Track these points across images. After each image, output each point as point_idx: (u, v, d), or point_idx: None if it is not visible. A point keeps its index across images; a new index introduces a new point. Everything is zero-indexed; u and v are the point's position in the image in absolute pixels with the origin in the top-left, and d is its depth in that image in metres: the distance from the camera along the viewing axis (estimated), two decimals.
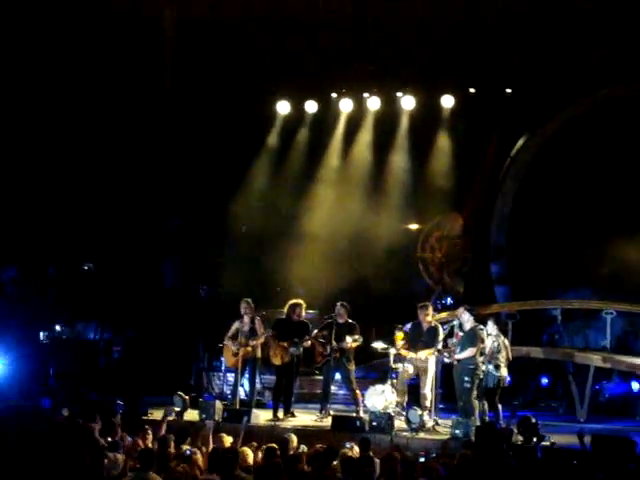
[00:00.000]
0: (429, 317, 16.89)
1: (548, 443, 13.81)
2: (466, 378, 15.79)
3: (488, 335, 16.29)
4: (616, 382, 19.85)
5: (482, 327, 16.18)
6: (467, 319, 16.11)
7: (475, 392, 15.84)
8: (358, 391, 17.26)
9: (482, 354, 16.03)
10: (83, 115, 21.19)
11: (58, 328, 21.80)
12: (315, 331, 17.48)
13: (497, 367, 16.10)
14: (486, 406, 16.13)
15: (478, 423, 15.23)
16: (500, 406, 16.27)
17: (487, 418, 15.93)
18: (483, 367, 15.99)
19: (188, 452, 11.21)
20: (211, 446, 12.06)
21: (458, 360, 15.96)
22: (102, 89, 21.08)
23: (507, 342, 16.57)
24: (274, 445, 11.46)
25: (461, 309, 16.46)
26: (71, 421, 12.39)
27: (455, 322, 16.82)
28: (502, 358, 16.17)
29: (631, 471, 10.86)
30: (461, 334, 16.14)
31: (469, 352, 15.83)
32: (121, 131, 21.65)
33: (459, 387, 15.94)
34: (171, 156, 22.53)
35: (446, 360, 16.34)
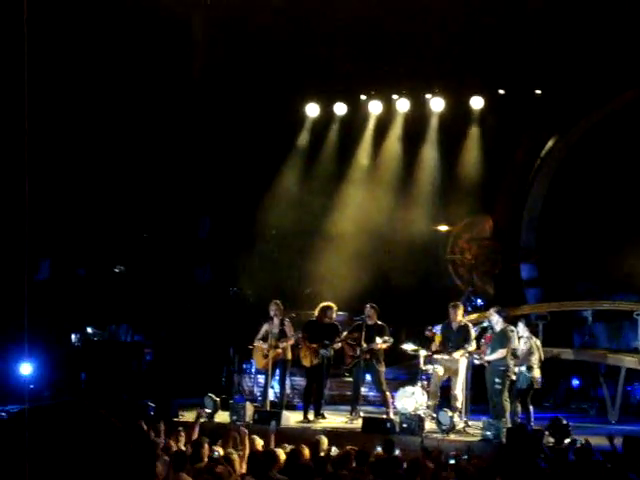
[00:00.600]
0: (460, 316, 16.88)
1: (579, 444, 13.73)
2: (497, 380, 15.77)
3: (520, 337, 16.25)
4: None
5: (512, 328, 16.15)
6: (497, 320, 16.09)
7: (506, 393, 15.82)
8: (388, 393, 17.27)
9: (514, 356, 16.00)
10: (116, 119, 21.28)
11: (90, 330, 21.92)
12: (345, 333, 17.51)
13: (530, 368, 16.04)
14: (518, 408, 16.11)
15: (509, 425, 15.20)
16: (532, 407, 16.22)
17: (519, 420, 15.90)
18: (515, 369, 15.96)
19: (216, 454, 11.25)
20: (247, 449, 12.12)
21: (489, 362, 15.94)
22: (137, 94, 21.16)
23: (539, 343, 16.51)
24: (304, 446, 11.50)
25: (491, 310, 16.45)
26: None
27: (485, 323, 16.80)
28: (534, 360, 16.11)
29: None
30: (492, 336, 16.13)
31: (500, 353, 15.81)
32: (154, 135, 21.73)
33: (490, 388, 15.92)
34: (202, 159, 22.61)
35: (476, 362, 16.31)
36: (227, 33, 21.16)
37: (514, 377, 16.04)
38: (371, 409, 18.07)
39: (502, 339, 15.89)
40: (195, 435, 13.07)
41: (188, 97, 21.85)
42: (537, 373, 16.12)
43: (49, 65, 18.63)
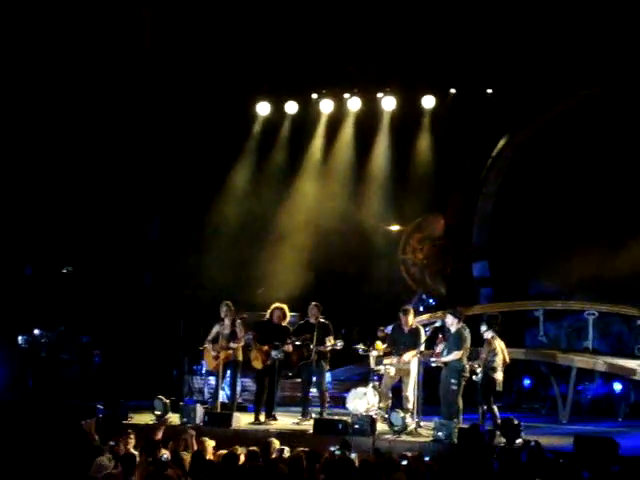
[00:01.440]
0: (410, 321, 16.82)
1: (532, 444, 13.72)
2: (453, 380, 15.72)
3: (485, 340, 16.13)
4: (598, 383, 19.83)
5: (466, 328, 16.09)
6: (452, 321, 16.03)
7: (461, 394, 15.77)
8: (327, 392, 17.27)
9: (470, 356, 15.95)
10: (63, 116, 21.05)
11: (37, 332, 21.63)
12: (292, 336, 17.36)
13: (493, 369, 15.93)
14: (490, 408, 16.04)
15: (462, 425, 15.15)
16: (485, 408, 16.15)
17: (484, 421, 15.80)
18: (479, 369, 15.88)
19: (165, 457, 11.11)
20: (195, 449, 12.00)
21: (445, 363, 15.88)
22: (87, 90, 20.96)
23: (503, 345, 16.36)
24: (255, 448, 11.38)
25: (446, 312, 16.41)
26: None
27: (438, 323, 16.74)
28: (498, 361, 15.99)
29: (614, 472, 10.80)
30: (447, 336, 16.06)
31: (455, 355, 15.74)
32: (103, 132, 21.51)
33: (445, 389, 15.84)
34: (153, 158, 22.41)
35: (433, 364, 16.19)
36: (177, 29, 21.00)
37: (475, 378, 15.96)
38: (328, 410, 17.89)
39: (457, 340, 15.83)
40: (158, 438, 12.89)
41: (138, 95, 21.65)
42: (499, 375, 16.02)
43: None
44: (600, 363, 18.60)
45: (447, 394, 15.80)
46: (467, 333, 15.98)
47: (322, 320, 17.20)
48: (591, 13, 19.54)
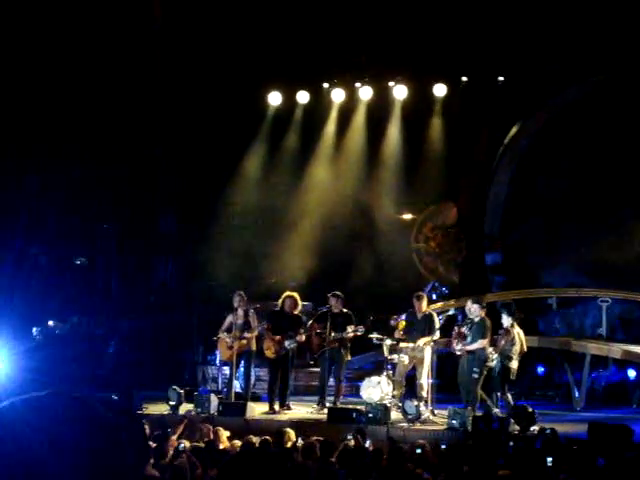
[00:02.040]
0: (424, 307, 16.82)
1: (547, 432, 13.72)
2: (475, 369, 15.75)
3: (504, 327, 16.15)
4: (612, 370, 19.80)
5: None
6: (476, 310, 16.04)
7: (480, 383, 15.80)
8: (343, 384, 17.33)
9: (492, 345, 15.97)
10: (80, 106, 21.07)
11: (51, 323, 21.69)
12: (309, 322, 17.41)
13: (509, 358, 15.96)
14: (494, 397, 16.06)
15: (479, 413, 15.16)
16: (499, 395, 16.17)
17: (499, 409, 15.82)
18: (494, 358, 15.90)
19: (182, 446, 11.13)
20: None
21: (469, 351, 15.87)
22: (101, 83, 20.97)
23: (522, 335, 16.37)
24: (268, 438, 11.42)
25: (469, 301, 16.41)
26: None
27: (451, 312, 16.74)
28: (515, 350, 16.01)
29: (629, 459, 10.79)
30: (465, 326, 16.06)
31: (480, 343, 15.76)
32: (117, 125, 21.52)
33: (467, 377, 15.84)
34: (164, 148, 22.44)
35: (458, 352, 16.13)
36: (189, 18, 21.01)
37: (515, 365, 15.99)
38: (342, 399, 17.89)
39: (482, 328, 15.85)
40: (179, 432, 12.90)
41: (151, 86, 21.66)
42: (515, 364, 16.05)
43: None
44: (614, 350, 18.58)
45: (469, 383, 15.82)
46: (490, 323, 16.02)
47: (344, 310, 17.20)
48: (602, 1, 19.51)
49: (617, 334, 20.42)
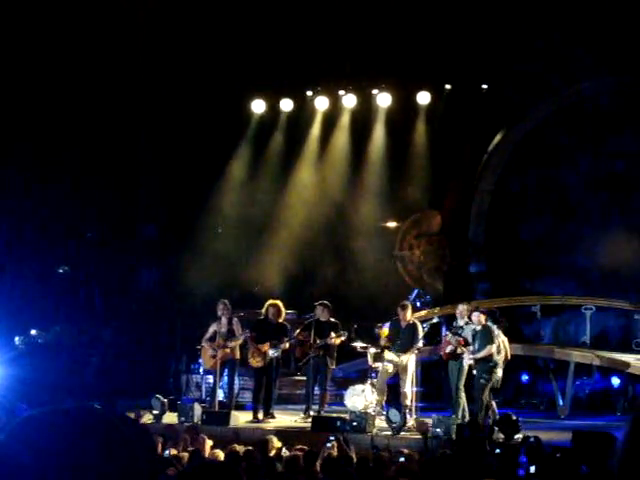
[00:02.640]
0: (409, 316, 16.80)
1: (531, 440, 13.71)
2: (485, 375, 15.79)
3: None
4: (596, 378, 19.81)
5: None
6: (478, 318, 16.09)
7: (489, 390, 15.86)
8: (328, 392, 17.32)
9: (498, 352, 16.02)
10: (66, 115, 21.02)
11: (34, 332, 21.58)
12: (297, 331, 17.38)
13: (495, 365, 16.01)
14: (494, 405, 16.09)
15: (465, 421, 15.17)
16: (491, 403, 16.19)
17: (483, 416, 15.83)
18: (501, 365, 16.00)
19: (166, 453, 11.11)
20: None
21: (477, 360, 15.89)
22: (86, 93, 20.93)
23: (507, 343, 16.44)
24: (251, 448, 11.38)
25: (461, 306, 16.45)
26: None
27: (435, 320, 16.70)
28: (500, 358, 16.06)
29: (612, 467, 10.76)
30: (463, 336, 16.08)
31: (487, 350, 15.79)
32: (100, 132, 21.45)
33: (476, 384, 15.85)
34: (146, 157, 22.38)
35: (469, 362, 16.10)
36: (173, 26, 20.97)
37: (500, 373, 16.03)
38: (327, 407, 17.85)
39: (488, 335, 15.88)
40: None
41: (134, 92, 21.60)
42: (500, 372, 16.09)
43: None
44: (595, 357, 18.59)
45: (477, 389, 15.84)
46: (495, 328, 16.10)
47: (332, 319, 17.17)
48: (585, 8, 19.53)
49: (601, 342, 20.43)
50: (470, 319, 16.37)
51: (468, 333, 16.16)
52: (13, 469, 2.18)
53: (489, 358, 15.87)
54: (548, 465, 10.60)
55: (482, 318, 16.13)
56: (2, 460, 2.21)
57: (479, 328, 16.07)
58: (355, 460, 10.89)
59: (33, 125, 20.77)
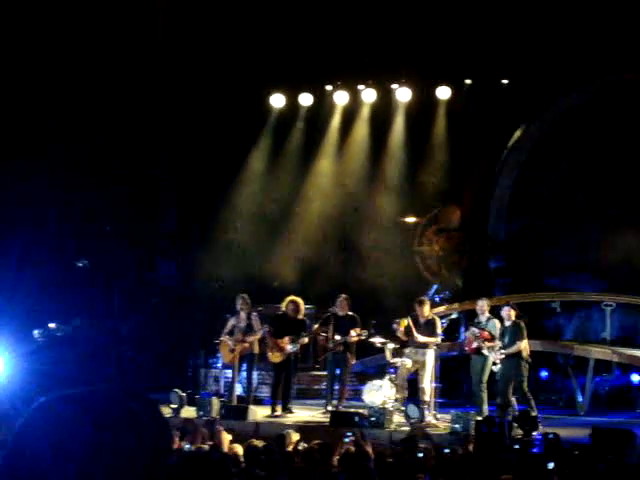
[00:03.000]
0: (427, 312, 16.78)
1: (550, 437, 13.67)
2: (515, 371, 15.91)
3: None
4: (616, 374, 19.73)
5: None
6: (508, 314, 16.12)
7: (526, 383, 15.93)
8: (347, 387, 17.42)
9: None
10: (80, 108, 21.04)
11: (52, 325, 21.64)
12: (315, 326, 17.39)
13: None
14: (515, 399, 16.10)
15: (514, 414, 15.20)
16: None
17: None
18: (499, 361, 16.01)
19: (187, 447, 11.12)
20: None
21: (507, 355, 15.89)
22: (92, 86, 20.93)
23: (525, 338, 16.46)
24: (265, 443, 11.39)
25: (480, 301, 16.44)
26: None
27: (454, 315, 16.67)
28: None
29: (632, 464, 10.73)
30: (487, 331, 16.09)
31: (517, 346, 15.86)
32: (116, 125, 21.48)
33: (516, 380, 15.82)
34: (165, 150, 22.40)
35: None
36: (192, 20, 20.97)
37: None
38: (345, 403, 17.85)
39: (518, 331, 15.93)
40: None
41: (154, 86, 21.62)
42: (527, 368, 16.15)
43: None
44: (617, 354, 18.52)
45: (518, 386, 15.86)
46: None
47: (350, 313, 17.18)
48: (607, 3, 19.45)
49: (621, 338, 20.34)
50: (493, 314, 16.38)
51: (491, 329, 16.13)
52: (33, 453, 2.17)
53: (518, 354, 15.89)
54: (567, 462, 10.54)
55: (512, 314, 16.17)
56: (21, 445, 2.20)
57: (509, 323, 16.10)
58: (373, 456, 10.86)
59: (56, 120, 20.82)
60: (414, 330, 16.44)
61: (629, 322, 20.73)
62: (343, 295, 17.41)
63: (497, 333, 16.08)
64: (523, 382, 15.94)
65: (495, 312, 16.76)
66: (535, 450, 11.68)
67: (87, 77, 20.71)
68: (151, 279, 23.31)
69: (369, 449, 11.57)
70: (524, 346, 15.98)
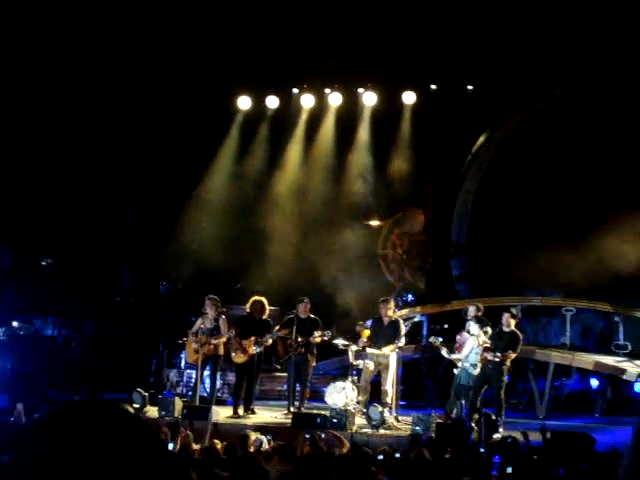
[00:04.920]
0: (390, 311, 16.88)
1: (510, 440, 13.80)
2: (503, 377, 16.11)
3: (471, 335, 16.36)
4: (575, 379, 19.92)
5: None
6: (507, 321, 16.31)
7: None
8: (308, 389, 17.47)
9: (452, 351, 16.20)
10: (42, 108, 20.97)
11: (15, 324, 21.57)
12: (277, 327, 17.43)
13: (474, 366, 16.11)
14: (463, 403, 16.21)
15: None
16: (463, 402, 16.28)
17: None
18: (459, 364, 16.15)
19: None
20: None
21: (498, 360, 16.03)
22: (60, 81, 20.88)
23: (488, 343, 16.58)
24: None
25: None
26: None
27: (417, 318, 16.72)
28: (480, 358, 16.20)
29: (588, 468, 10.87)
30: (470, 335, 16.23)
31: (510, 354, 16.08)
32: (78, 124, 21.43)
33: (497, 387, 15.97)
34: (129, 151, 22.37)
35: (497, 359, 16.21)
36: (159, 23, 20.98)
37: (455, 371, 16.21)
38: (307, 404, 17.93)
39: (515, 341, 16.10)
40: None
41: (118, 86, 21.59)
42: (479, 372, 16.25)
43: None
44: (581, 359, 18.72)
45: (496, 391, 15.99)
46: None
47: (312, 316, 17.27)
48: (570, 11, 19.62)
49: (581, 343, 20.54)
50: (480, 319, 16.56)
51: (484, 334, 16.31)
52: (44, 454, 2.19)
53: (505, 361, 16.05)
54: (524, 466, 10.67)
55: (512, 322, 16.30)
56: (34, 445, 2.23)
57: (507, 330, 16.24)
58: (338, 455, 10.93)
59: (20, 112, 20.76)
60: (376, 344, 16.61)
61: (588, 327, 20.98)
62: (304, 298, 17.48)
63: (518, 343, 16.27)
64: (502, 389, 16.06)
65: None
66: (495, 457, 11.80)
67: (56, 71, 20.65)
68: (115, 279, 23.26)
69: (335, 450, 11.63)
70: (514, 356, 16.19)
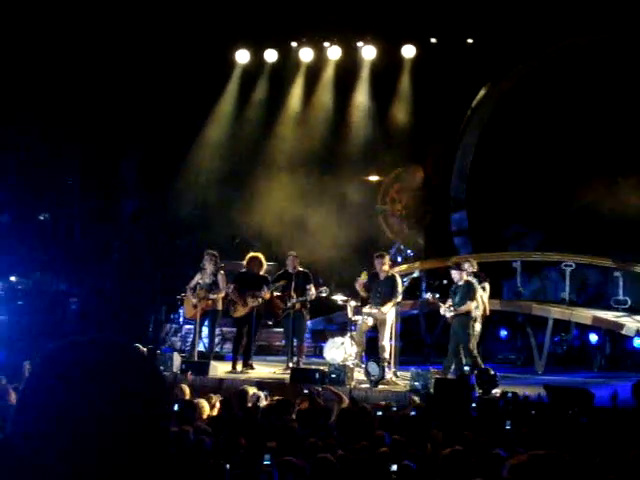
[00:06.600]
0: (386, 266, 16.79)
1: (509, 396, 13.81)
2: (468, 330, 15.88)
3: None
4: (574, 334, 19.94)
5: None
6: (456, 275, 16.19)
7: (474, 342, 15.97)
8: (305, 343, 17.51)
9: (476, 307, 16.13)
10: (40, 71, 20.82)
11: (13, 279, 21.53)
12: (273, 281, 17.41)
13: (473, 320, 16.13)
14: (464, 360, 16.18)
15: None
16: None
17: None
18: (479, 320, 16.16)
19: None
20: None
21: (458, 314, 15.95)
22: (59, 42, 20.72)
23: (485, 297, 16.56)
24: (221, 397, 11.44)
25: (453, 271, 16.47)
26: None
27: (415, 274, 16.70)
28: (478, 312, 16.17)
29: (587, 423, 10.87)
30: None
31: (468, 305, 15.86)
32: (77, 79, 21.27)
33: (461, 340, 15.90)
34: (128, 101, 22.21)
35: (448, 315, 16.17)
36: None
37: (478, 328, 16.16)
38: (305, 360, 17.92)
39: (468, 290, 15.97)
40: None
41: (117, 42, 21.38)
42: (478, 327, 16.21)
43: None
44: (580, 315, 18.71)
45: (465, 344, 15.90)
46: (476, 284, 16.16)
47: (301, 269, 17.24)
48: None
49: (579, 298, 20.54)
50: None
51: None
52: (43, 401, 2.15)
53: (468, 313, 15.95)
54: (524, 420, 10.67)
55: (463, 275, 16.21)
56: (34, 391, 2.18)
57: (461, 283, 16.13)
58: (337, 411, 10.91)
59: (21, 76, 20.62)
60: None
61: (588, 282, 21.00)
62: (292, 252, 17.46)
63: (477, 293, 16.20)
64: (469, 342, 15.94)
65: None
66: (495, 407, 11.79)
67: (55, 36, 20.49)
68: (113, 233, 23.17)
69: (333, 405, 11.61)
70: (475, 305, 16.02)
